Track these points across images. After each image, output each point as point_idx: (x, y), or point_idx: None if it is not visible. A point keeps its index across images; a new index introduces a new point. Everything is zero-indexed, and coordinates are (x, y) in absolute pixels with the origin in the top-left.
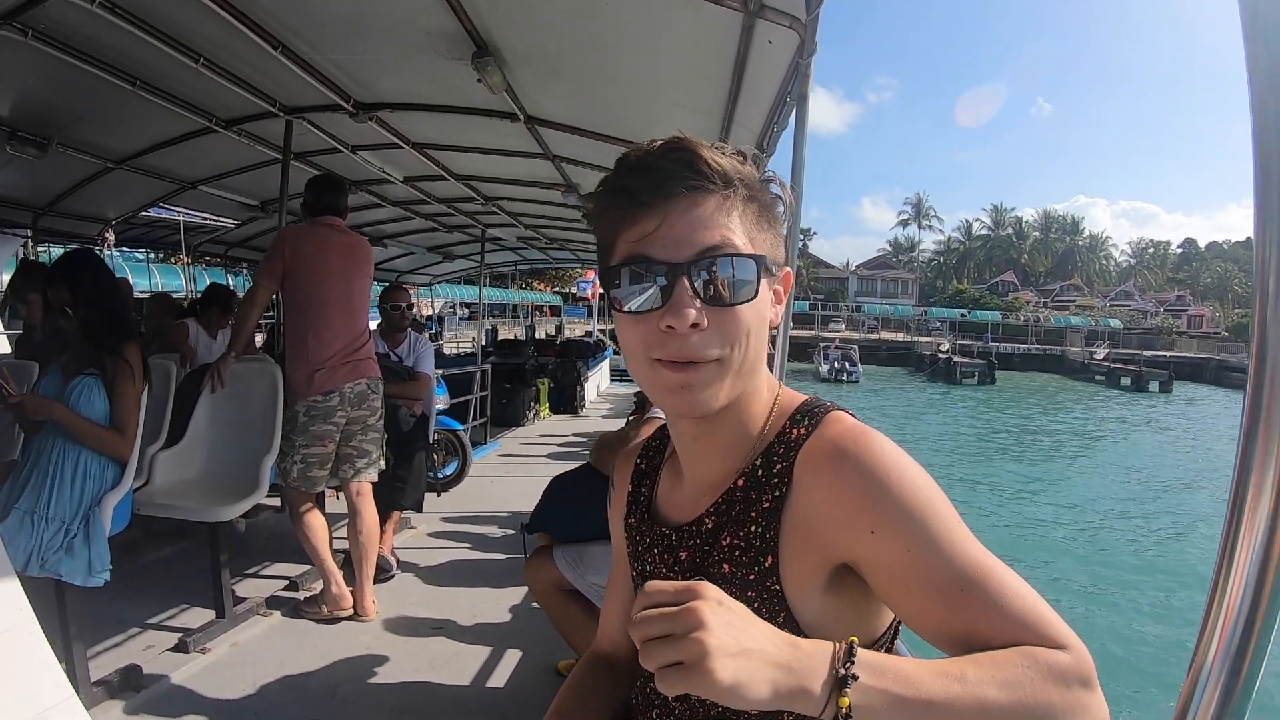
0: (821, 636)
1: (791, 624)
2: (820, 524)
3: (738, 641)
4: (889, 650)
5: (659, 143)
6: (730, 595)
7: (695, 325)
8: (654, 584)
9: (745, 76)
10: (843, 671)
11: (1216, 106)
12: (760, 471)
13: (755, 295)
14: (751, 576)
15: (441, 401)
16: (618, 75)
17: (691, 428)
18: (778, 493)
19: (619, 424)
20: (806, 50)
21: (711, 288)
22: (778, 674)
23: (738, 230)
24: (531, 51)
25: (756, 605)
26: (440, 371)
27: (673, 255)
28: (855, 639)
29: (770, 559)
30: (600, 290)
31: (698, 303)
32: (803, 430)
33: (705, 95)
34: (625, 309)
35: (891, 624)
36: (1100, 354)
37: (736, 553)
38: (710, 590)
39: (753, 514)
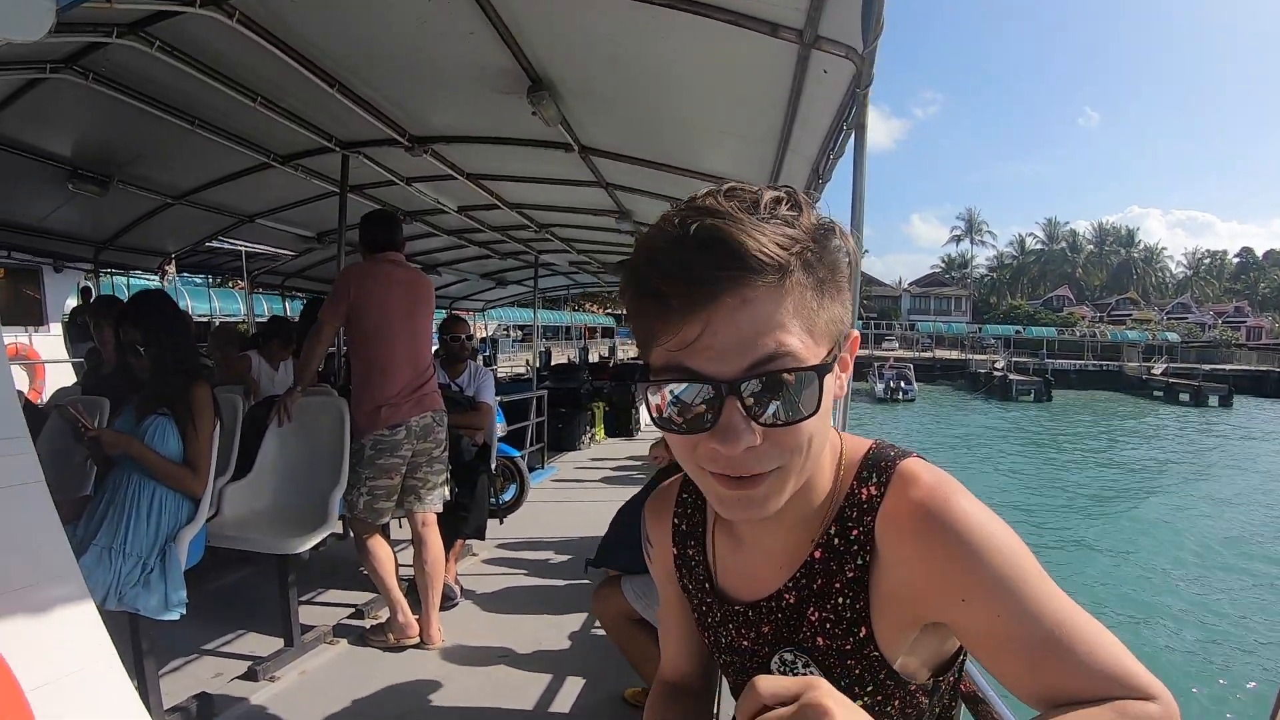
0: (912, 672)
1: (893, 676)
2: (910, 592)
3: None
4: (961, 665)
5: (691, 223)
6: (830, 665)
7: (749, 448)
8: (765, 683)
9: (800, 106)
10: None
11: (1270, 110)
12: (837, 540)
13: (816, 409)
14: (848, 647)
15: (500, 429)
16: (672, 106)
17: None
18: (860, 561)
19: None
20: (864, 80)
21: (766, 406)
22: None
23: (796, 329)
24: (586, 85)
25: (858, 671)
26: (499, 398)
27: (719, 369)
28: None
29: (864, 629)
30: None
31: (751, 423)
32: (874, 490)
33: (760, 124)
34: (664, 425)
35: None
36: (1158, 369)
37: (828, 625)
38: (824, 685)
39: (837, 585)
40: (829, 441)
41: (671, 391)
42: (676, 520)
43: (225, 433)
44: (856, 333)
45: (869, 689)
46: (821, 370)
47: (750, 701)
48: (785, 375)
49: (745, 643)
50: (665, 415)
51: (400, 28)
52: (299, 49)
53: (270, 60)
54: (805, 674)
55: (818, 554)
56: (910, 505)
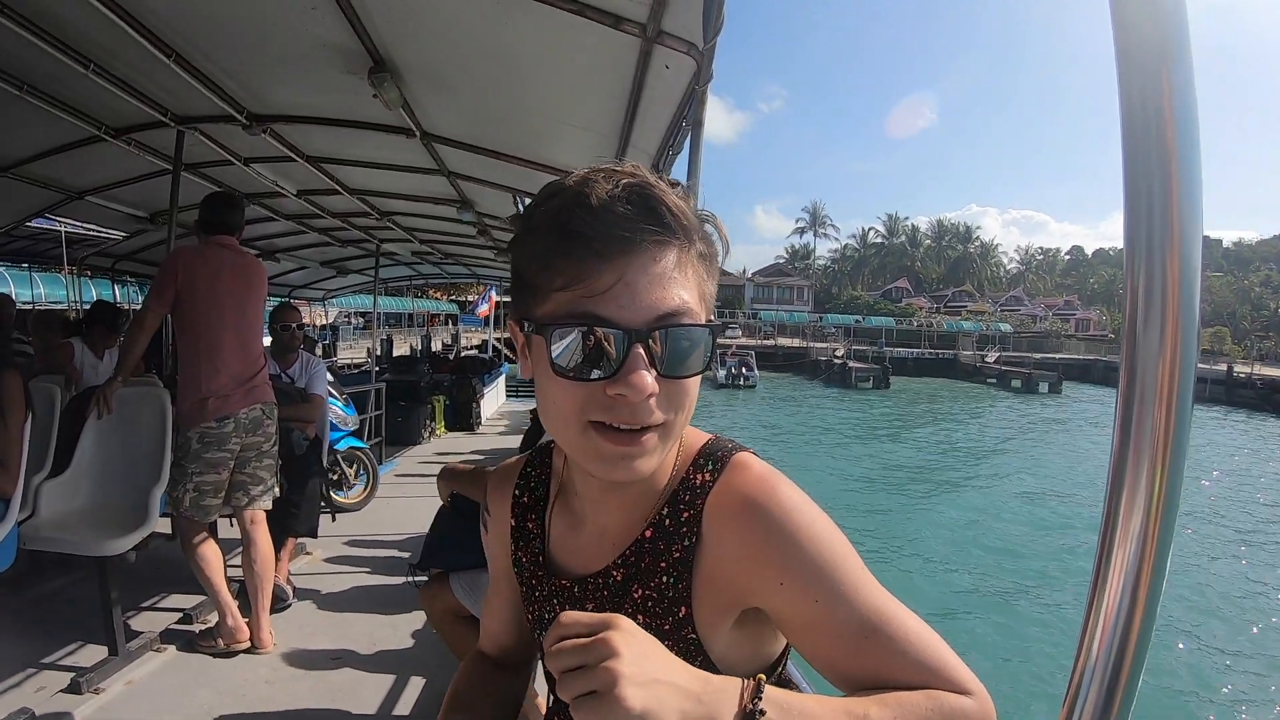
0: (728, 666)
1: (707, 663)
2: (730, 574)
3: (648, 672)
4: (782, 671)
5: (621, 180)
6: None
7: (649, 395)
8: (569, 615)
9: (642, 100)
10: (751, 707)
11: (1100, 116)
12: (668, 521)
13: (705, 366)
14: (666, 627)
15: (352, 421)
16: (516, 95)
17: (602, 482)
18: (687, 542)
19: (516, 440)
20: (703, 77)
21: (666, 357)
22: (688, 705)
23: (693, 290)
24: (429, 69)
25: (674, 653)
26: (348, 391)
27: (628, 319)
28: (764, 676)
29: (684, 609)
30: (496, 302)
31: (653, 372)
32: (707, 476)
33: (602, 117)
34: (562, 371)
35: (785, 647)
36: (992, 357)
37: (649, 604)
38: (624, 622)
39: (662, 564)
40: None
41: (573, 335)
42: (518, 493)
43: (41, 426)
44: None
45: None
46: (714, 330)
47: (554, 632)
48: (687, 329)
49: None
50: (564, 363)
51: None
52: (134, 14)
53: (105, 24)
54: None
55: (648, 533)
56: (736, 491)
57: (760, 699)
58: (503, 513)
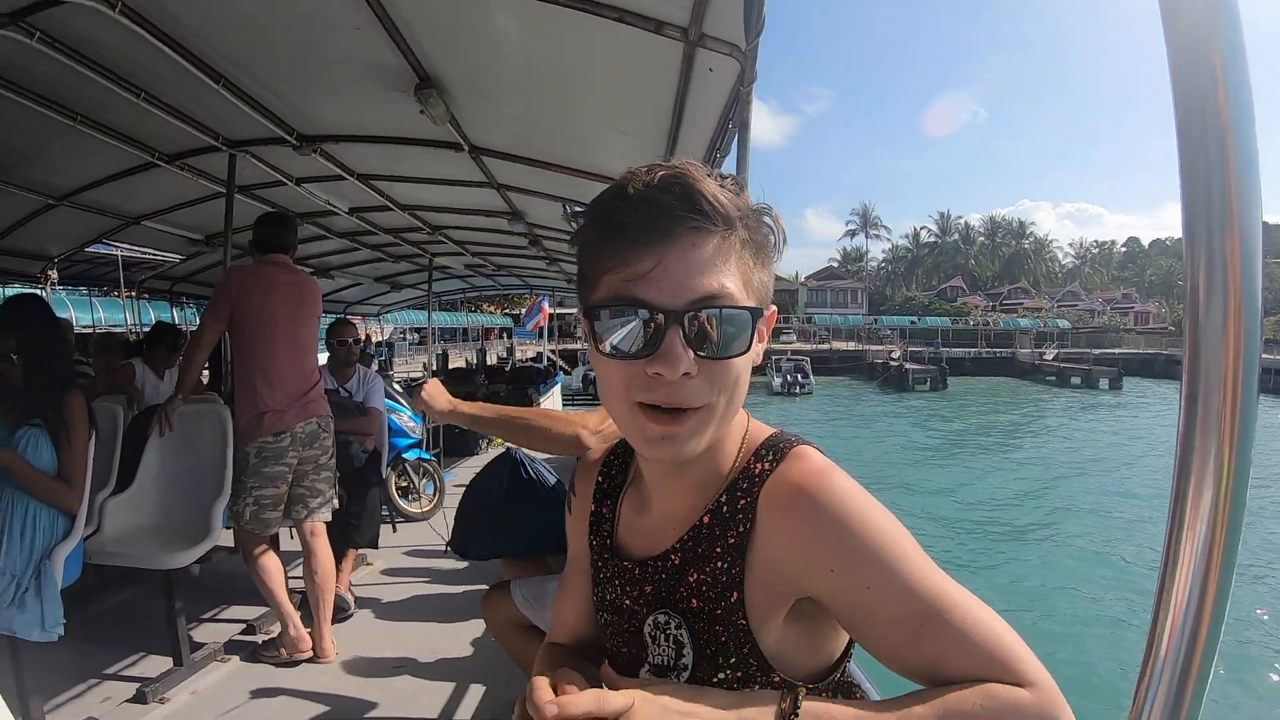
0: (783, 662)
1: (756, 653)
2: (782, 562)
3: (674, 707)
4: (843, 672)
5: (659, 171)
6: (699, 629)
7: (686, 374)
8: (566, 702)
9: (687, 104)
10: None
11: (1153, 103)
12: (725, 508)
13: (748, 349)
14: (719, 612)
15: (419, 430)
16: (560, 104)
17: (663, 466)
18: (742, 529)
19: None
20: (747, 78)
21: (704, 339)
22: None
23: (735, 276)
24: (474, 83)
25: (724, 639)
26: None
27: (667, 301)
28: (802, 689)
29: (736, 594)
30: (550, 314)
31: (690, 352)
32: (766, 465)
33: (648, 123)
34: (608, 350)
35: (846, 644)
36: (1050, 354)
37: (704, 588)
38: (618, 699)
39: (718, 550)
40: (738, 420)
41: (617, 315)
42: (600, 479)
43: (103, 444)
44: (775, 309)
45: (732, 661)
46: (755, 313)
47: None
48: (724, 312)
49: (628, 602)
50: (609, 343)
51: (286, 21)
52: (183, 42)
53: (154, 54)
54: (677, 635)
55: (706, 519)
56: (790, 480)
57: (797, 714)
58: (586, 496)
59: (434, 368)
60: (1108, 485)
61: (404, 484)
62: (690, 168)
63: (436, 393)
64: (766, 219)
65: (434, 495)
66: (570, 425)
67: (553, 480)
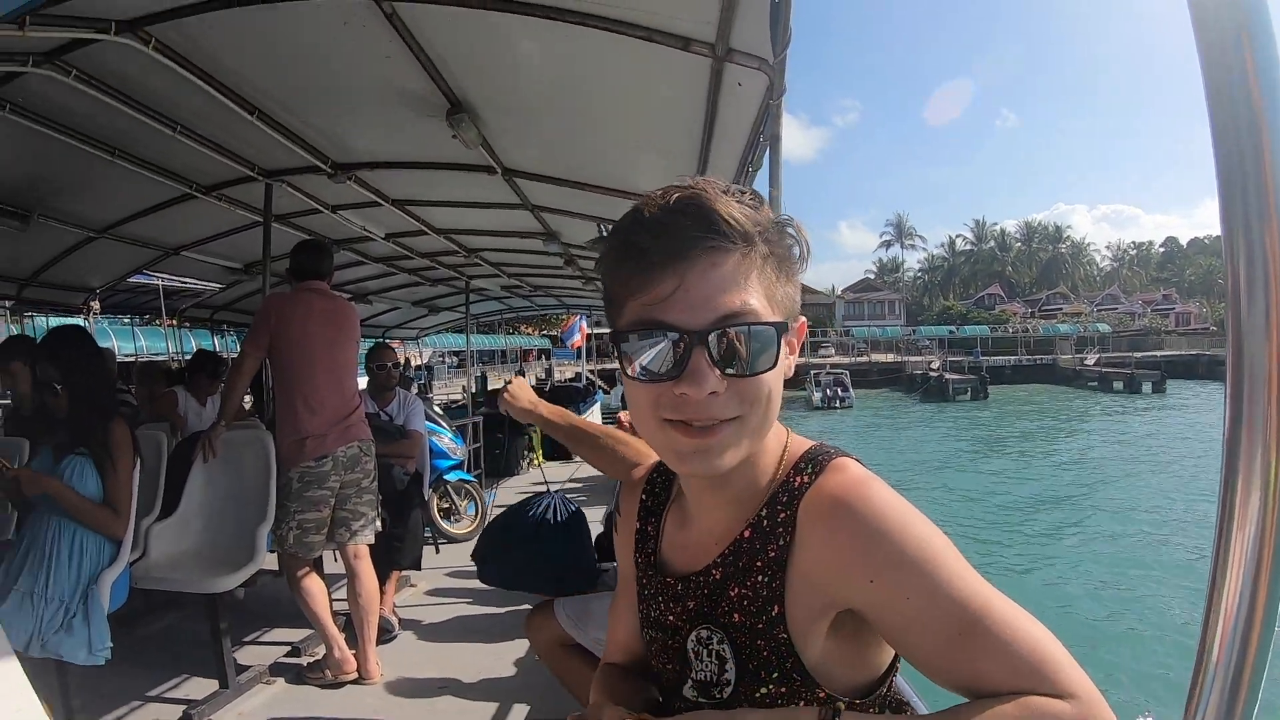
0: (827, 677)
1: (799, 668)
2: (822, 574)
3: None
4: (889, 687)
5: (674, 193)
6: (741, 644)
7: (713, 393)
8: None
9: (717, 120)
10: None
11: (1181, 103)
12: (765, 521)
13: (775, 364)
14: (760, 625)
15: (460, 451)
16: (591, 124)
17: (702, 480)
18: (782, 542)
19: None
20: (776, 91)
21: (731, 357)
22: None
23: (757, 292)
24: (504, 106)
25: (766, 654)
26: (456, 424)
27: (689, 321)
28: (842, 704)
29: (777, 608)
30: (588, 333)
31: (716, 371)
32: (805, 479)
33: (678, 140)
34: (637, 372)
35: (893, 659)
36: (1091, 359)
37: (745, 602)
38: None
39: (758, 564)
40: (776, 434)
41: (643, 338)
42: (644, 497)
43: (148, 471)
44: (805, 320)
45: (775, 676)
46: (780, 328)
47: None
48: (748, 329)
49: (670, 618)
50: (636, 367)
51: (317, 52)
52: (217, 76)
53: (189, 88)
54: (720, 650)
55: (746, 533)
56: (828, 492)
57: None
58: (631, 515)
59: (473, 390)
60: (1157, 486)
61: (445, 505)
62: (706, 186)
63: (520, 391)
64: (789, 231)
65: (476, 516)
66: (635, 453)
67: (578, 531)
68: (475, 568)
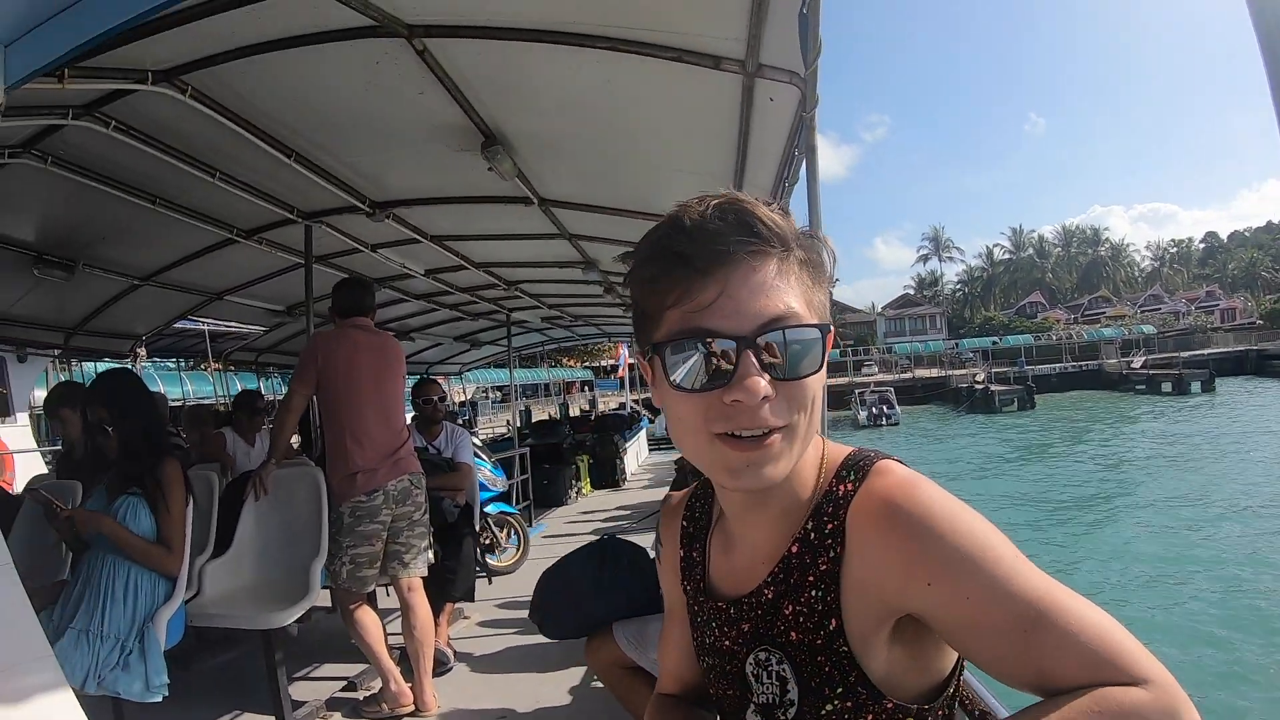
0: (892, 686)
1: (864, 681)
2: (877, 581)
3: None
4: (956, 689)
5: (711, 200)
6: (801, 662)
7: (765, 399)
8: None
9: (751, 136)
10: None
11: (1211, 96)
12: (813, 534)
13: (819, 367)
14: (819, 642)
15: (500, 483)
16: (625, 149)
17: (743, 497)
18: (832, 554)
19: (661, 494)
20: (809, 104)
21: (777, 361)
22: None
23: (798, 296)
24: (539, 135)
25: (828, 670)
26: (496, 457)
27: (736, 327)
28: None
29: (835, 622)
30: (630, 362)
31: (766, 376)
32: (850, 485)
33: (714, 159)
34: (681, 384)
35: (957, 659)
36: (1137, 362)
37: (801, 619)
38: None
39: (810, 578)
40: (813, 444)
41: (686, 349)
42: (685, 523)
43: (201, 510)
44: (834, 329)
45: (839, 691)
46: (823, 329)
47: None
48: (794, 332)
49: (727, 642)
50: (679, 377)
51: (350, 92)
52: (253, 120)
53: (226, 134)
54: (780, 671)
55: (795, 548)
56: (876, 497)
57: None
58: (673, 543)
59: (518, 424)
60: (1219, 481)
61: (487, 540)
62: (740, 194)
63: None
64: (818, 240)
65: (518, 548)
66: None
67: (648, 565)
68: (529, 598)
